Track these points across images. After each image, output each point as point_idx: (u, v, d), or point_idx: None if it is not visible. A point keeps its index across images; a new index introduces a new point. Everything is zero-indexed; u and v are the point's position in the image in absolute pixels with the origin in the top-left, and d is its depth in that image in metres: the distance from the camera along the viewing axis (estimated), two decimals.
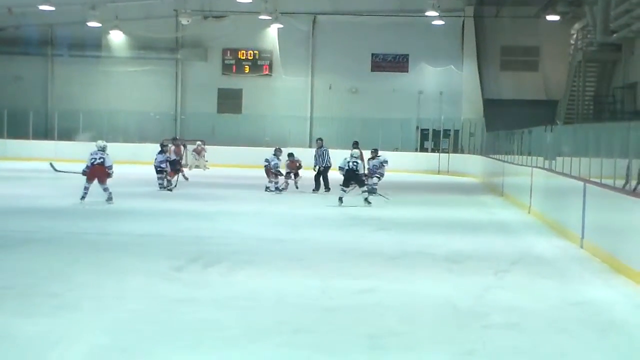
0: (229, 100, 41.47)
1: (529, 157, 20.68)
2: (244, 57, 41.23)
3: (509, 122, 27.78)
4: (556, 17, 35.23)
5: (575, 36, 35.65)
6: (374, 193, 20.82)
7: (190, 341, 6.99)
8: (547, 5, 34.20)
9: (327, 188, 23.02)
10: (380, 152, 23.52)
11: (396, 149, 34.58)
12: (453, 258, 11.79)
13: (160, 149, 23.45)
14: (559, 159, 17.33)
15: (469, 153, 36.64)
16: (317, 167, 23.29)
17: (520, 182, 21.15)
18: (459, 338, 7.34)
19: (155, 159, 23.09)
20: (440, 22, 37.66)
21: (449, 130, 38.44)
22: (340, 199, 19.45)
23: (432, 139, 38.58)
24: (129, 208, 17.85)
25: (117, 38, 41.18)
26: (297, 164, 23.42)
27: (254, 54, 41.19)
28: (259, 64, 41.30)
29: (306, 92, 41.15)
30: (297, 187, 23.35)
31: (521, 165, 21.59)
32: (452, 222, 17.01)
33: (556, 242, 13.79)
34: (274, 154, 23.33)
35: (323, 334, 7.36)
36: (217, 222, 15.73)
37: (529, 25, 37.77)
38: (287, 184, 22.98)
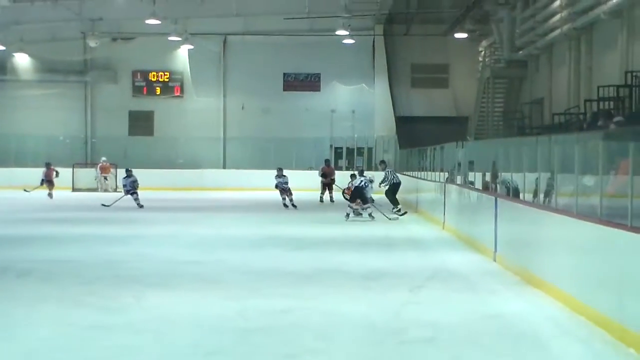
0: (141, 123, 40.98)
1: (442, 173, 20.95)
2: (154, 79, 40.84)
3: (421, 139, 28.13)
4: (464, 35, 35.85)
5: (483, 53, 36.34)
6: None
7: None
8: (455, 24, 34.78)
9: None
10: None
11: (310, 168, 34.58)
12: (368, 275, 11.83)
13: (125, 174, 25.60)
14: (471, 174, 17.61)
15: (383, 170, 36.89)
16: (389, 185, 23.64)
17: (433, 198, 21.40)
18: (376, 355, 7.35)
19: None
20: (350, 41, 37.98)
21: (363, 148, 38.71)
22: (347, 215, 20.79)
23: (346, 157, 38.77)
24: (38, 234, 17.46)
25: (22, 61, 40.39)
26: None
27: (165, 76, 40.87)
28: (170, 86, 40.96)
29: (219, 113, 40.97)
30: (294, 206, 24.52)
31: (434, 181, 21.85)
32: (367, 239, 17.06)
33: (470, 257, 13.96)
34: (279, 174, 25.30)
35: (239, 356, 7.30)
36: (130, 245, 15.49)
37: (438, 43, 38.25)
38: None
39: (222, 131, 40.97)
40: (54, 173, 30.19)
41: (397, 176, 23.99)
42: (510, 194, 13.06)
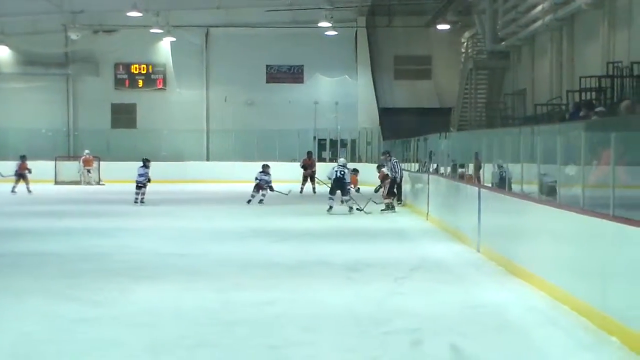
0: (123, 115, 40.83)
1: (425, 164, 20.99)
2: (137, 72, 40.69)
3: (405, 130, 28.15)
4: (446, 26, 35.89)
5: (465, 44, 36.38)
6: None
7: None
8: (438, 15, 34.80)
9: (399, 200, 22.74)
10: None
11: (293, 160, 34.56)
12: (352, 266, 11.86)
13: (142, 164, 23.69)
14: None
15: (366, 162, 36.94)
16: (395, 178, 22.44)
17: (417, 189, 21.45)
18: (361, 345, 7.38)
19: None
20: (333, 33, 37.95)
21: (346, 139, 38.73)
22: (330, 207, 20.40)
23: (329, 149, 38.77)
24: (22, 227, 17.40)
25: (3, 53, 40.13)
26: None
27: (147, 68, 40.72)
28: (153, 78, 40.82)
29: (202, 105, 40.88)
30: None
31: (417, 172, 21.89)
32: (352, 230, 17.09)
33: (454, 247, 14.01)
34: (264, 171, 23.53)
35: (224, 348, 7.31)
36: (115, 238, 15.47)
37: (420, 35, 38.34)
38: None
39: (205, 123, 40.89)
40: (27, 169, 28.33)
41: (398, 170, 22.55)
42: (494, 183, 13.11)
